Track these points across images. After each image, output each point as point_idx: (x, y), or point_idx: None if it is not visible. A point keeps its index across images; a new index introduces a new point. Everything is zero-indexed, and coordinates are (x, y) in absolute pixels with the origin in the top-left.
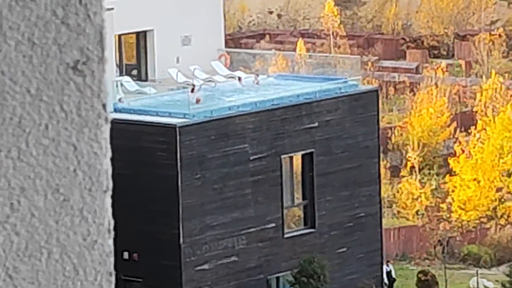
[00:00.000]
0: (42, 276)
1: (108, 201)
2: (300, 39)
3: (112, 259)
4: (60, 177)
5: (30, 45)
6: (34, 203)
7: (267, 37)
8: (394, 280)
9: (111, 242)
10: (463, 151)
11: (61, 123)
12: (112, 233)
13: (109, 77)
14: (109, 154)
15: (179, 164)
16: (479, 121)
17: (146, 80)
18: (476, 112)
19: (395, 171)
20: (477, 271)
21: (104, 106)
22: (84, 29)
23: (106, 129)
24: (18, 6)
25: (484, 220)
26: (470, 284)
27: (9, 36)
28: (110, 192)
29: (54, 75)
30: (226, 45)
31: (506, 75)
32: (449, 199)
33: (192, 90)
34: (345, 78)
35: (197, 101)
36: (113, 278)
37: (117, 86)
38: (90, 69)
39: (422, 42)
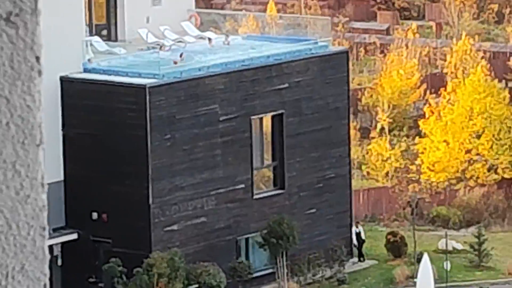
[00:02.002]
0: None
1: (41, 155)
2: (271, 0)
3: (45, 214)
4: None
5: None
6: None
7: None
8: (364, 241)
9: (44, 196)
10: (432, 113)
11: None
12: (46, 187)
13: (79, 37)
14: (42, 107)
15: (148, 124)
16: (449, 83)
17: (116, 40)
18: (446, 74)
19: (365, 133)
20: (446, 233)
21: (37, 58)
22: None
23: (39, 82)
24: None
25: (453, 181)
26: (438, 245)
27: None
28: (43, 146)
29: None
30: (197, 6)
31: (477, 37)
32: (418, 161)
33: (161, 48)
34: (316, 39)
35: (176, 61)
36: (46, 233)
37: (87, 46)
38: (23, 21)
39: (393, 4)
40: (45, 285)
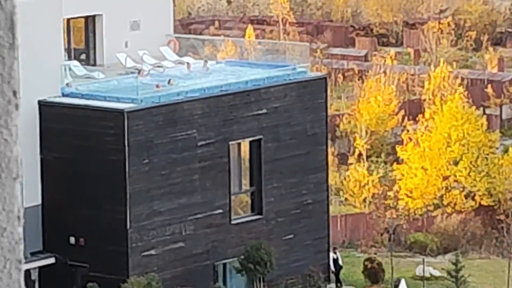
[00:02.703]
0: None
1: (19, 188)
2: (250, 25)
3: (21, 247)
4: None
5: None
6: None
7: (217, 23)
8: (341, 267)
9: (20, 229)
10: (410, 139)
11: None
12: (22, 220)
13: (58, 61)
14: (19, 141)
15: (126, 149)
16: (427, 110)
17: (94, 64)
18: (424, 100)
19: (343, 159)
20: (423, 259)
21: (14, 93)
22: None
23: (16, 115)
24: None
25: (431, 208)
26: (416, 272)
27: None
28: (20, 180)
29: None
30: (175, 31)
31: (454, 63)
32: (396, 187)
33: (139, 73)
34: (294, 65)
35: (158, 85)
36: (22, 266)
37: (65, 70)
38: (1, 55)
39: (371, 30)
40: None
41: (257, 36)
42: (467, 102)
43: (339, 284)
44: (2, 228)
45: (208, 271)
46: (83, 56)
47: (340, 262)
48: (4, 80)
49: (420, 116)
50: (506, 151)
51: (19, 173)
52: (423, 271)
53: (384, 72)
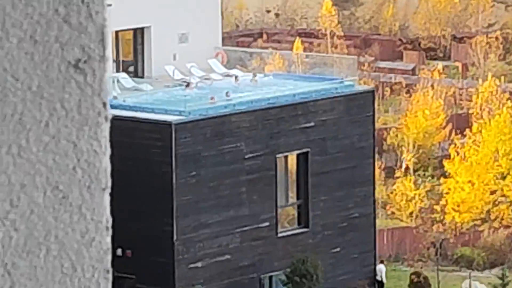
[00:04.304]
0: (40, 272)
1: (107, 198)
2: (297, 38)
3: (109, 257)
4: (60, 174)
5: (32, 43)
6: (33, 200)
7: (265, 36)
8: (383, 284)
9: (108, 239)
10: (458, 153)
11: (61, 120)
12: (110, 230)
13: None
14: (109, 152)
15: (174, 161)
16: (474, 124)
17: (142, 77)
18: (472, 114)
19: (389, 172)
20: (469, 274)
21: (104, 104)
22: (86, 27)
23: (106, 127)
24: (21, 3)
25: (478, 222)
26: (462, 286)
27: (11, 34)
28: (108, 190)
29: (56, 73)
30: (223, 43)
31: (502, 78)
32: (443, 201)
33: (187, 86)
34: (342, 78)
35: (213, 97)
36: (110, 276)
37: (113, 82)
38: (91, 68)
39: (419, 44)
40: None
41: (304, 49)
42: None
43: None
44: (91, 238)
45: (254, 284)
46: (131, 68)
47: (383, 278)
48: (95, 92)
49: (467, 130)
50: None
51: (108, 184)
52: (470, 285)
53: (432, 86)
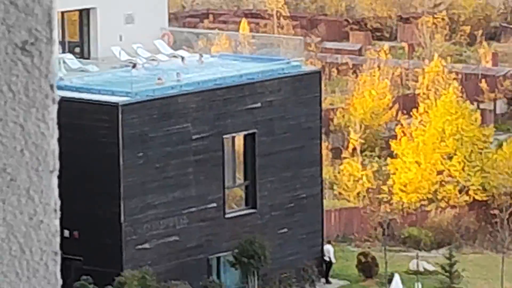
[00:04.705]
0: None
1: (55, 181)
2: (244, 19)
3: (58, 239)
4: (7, 157)
5: None
6: None
7: (211, 16)
8: (331, 264)
9: (57, 222)
10: (404, 134)
11: (8, 103)
12: (58, 213)
13: None
14: (56, 134)
15: (121, 142)
16: (421, 104)
17: (88, 58)
18: (418, 95)
19: (336, 153)
20: (417, 254)
21: (51, 86)
22: (33, 9)
23: (54, 109)
24: None
25: (425, 202)
26: (410, 266)
27: None
28: (56, 173)
29: (2, 55)
30: (170, 24)
31: (449, 58)
32: (390, 182)
33: (134, 67)
34: (288, 59)
35: (160, 78)
36: (59, 258)
37: (59, 63)
38: (38, 50)
39: (366, 24)
40: None
41: (251, 30)
42: (461, 96)
43: (327, 281)
44: (39, 220)
45: (202, 264)
46: (77, 50)
47: (332, 258)
48: (42, 74)
49: (414, 110)
50: (500, 145)
51: (56, 166)
52: (417, 265)
53: (378, 66)
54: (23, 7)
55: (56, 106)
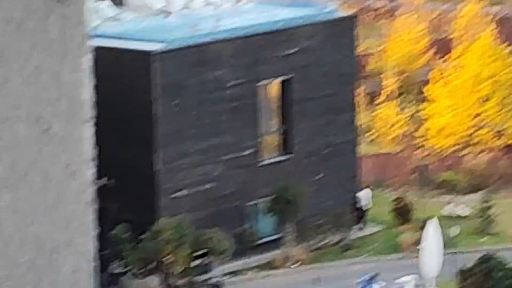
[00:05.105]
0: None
1: (90, 130)
2: None
3: (92, 188)
4: (43, 107)
5: None
6: (16, 132)
7: None
8: (366, 210)
9: (92, 171)
10: (440, 78)
11: (43, 52)
12: (93, 162)
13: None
14: (92, 83)
15: (156, 90)
16: (456, 48)
17: (124, 5)
18: (454, 38)
19: (372, 98)
20: (452, 198)
21: (85, 36)
22: None
23: (88, 59)
24: None
25: (460, 147)
26: (445, 211)
27: None
28: (91, 122)
29: (37, 4)
30: None
31: (485, 1)
32: (425, 126)
33: (168, 15)
34: (324, 4)
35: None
36: (93, 206)
37: (95, 11)
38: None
39: None
40: (91, 259)
41: None
42: (498, 39)
43: (362, 225)
44: (74, 169)
45: (238, 211)
46: None
47: (370, 201)
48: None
49: (449, 54)
50: None
51: (91, 116)
52: (452, 210)
53: (414, 10)
54: None
55: (90, 56)
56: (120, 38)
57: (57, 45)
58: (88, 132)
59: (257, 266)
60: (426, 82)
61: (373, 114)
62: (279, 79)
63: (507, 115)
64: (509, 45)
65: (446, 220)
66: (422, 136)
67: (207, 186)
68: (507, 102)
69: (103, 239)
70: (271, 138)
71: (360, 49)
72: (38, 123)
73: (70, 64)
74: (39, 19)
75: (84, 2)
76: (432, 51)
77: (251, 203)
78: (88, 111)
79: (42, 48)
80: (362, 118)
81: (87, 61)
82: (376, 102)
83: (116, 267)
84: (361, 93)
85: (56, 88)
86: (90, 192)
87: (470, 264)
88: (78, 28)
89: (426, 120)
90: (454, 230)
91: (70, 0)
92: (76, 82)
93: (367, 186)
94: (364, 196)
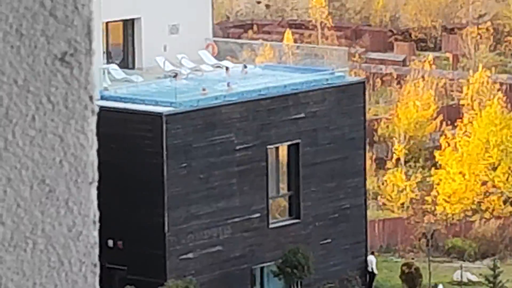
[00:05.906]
0: (27, 266)
1: (94, 192)
2: (288, 29)
3: (97, 251)
4: (46, 168)
5: (18, 36)
6: (20, 194)
7: (255, 27)
8: (375, 275)
9: (96, 233)
10: (449, 144)
11: (48, 114)
12: (97, 224)
13: (97, 65)
14: (95, 145)
15: (165, 152)
16: (465, 115)
17: (133, 68)
18: (463, 105)
19: (380, 163)
20: (461, 265)
21: (91, 98)
22: (72, 20)
23: (93, 121)
24: None
25: (469, 213)
26: (453, 277)
27: None
28: (96, 184)
29: (42, 66)
30: (214, 35)
31: (493, 68)
32: (434, 192)
33: (175, 76)
34: (332, 69)
35: (205, 89)
36: (97, 269)
37: (104, 73)
38: (78, 61)
39: (410, 35)
40: None
41: (295, 40)
42: (506, 107)
43: None
44: (78, 232)
45: (245, 275)
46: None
47: (374, 269)
48: (81, 86)
49: (458, 121)
50: None
51: (95, 177)
52: (461, 276)
53: (423, 77)
54: (62, 18)
55: (95, 118)
56: (130, 100)
57: (61, 107)
58: (92, 194)
59: None
60: (435, 148)
61: (382, 179)
62: (288, 143)
63: None
64: None
65: (455, 286)
66: (431, 202)
67: (215, 248)
68: None
69: None
70: (279, 202)
71: (369, 114)
72: (42, 185)
73: (75, 126)
74: (43, 81)
75: (91, 64)
76: (441, 117)
77: (259, 266)
78: (91, 173)
79: (46, 110)
80: (370, 183)
81: (93, 123)
82: (385, 167)
83: None
84: (370, 158)
85: (60, 150)
86: (94, 254)
87: None
88: (84, 90)
89: (434, 186)
90: None
91: (76, 62)
92: (80, 144)
93: (372, 253)
94: (373, 261)
